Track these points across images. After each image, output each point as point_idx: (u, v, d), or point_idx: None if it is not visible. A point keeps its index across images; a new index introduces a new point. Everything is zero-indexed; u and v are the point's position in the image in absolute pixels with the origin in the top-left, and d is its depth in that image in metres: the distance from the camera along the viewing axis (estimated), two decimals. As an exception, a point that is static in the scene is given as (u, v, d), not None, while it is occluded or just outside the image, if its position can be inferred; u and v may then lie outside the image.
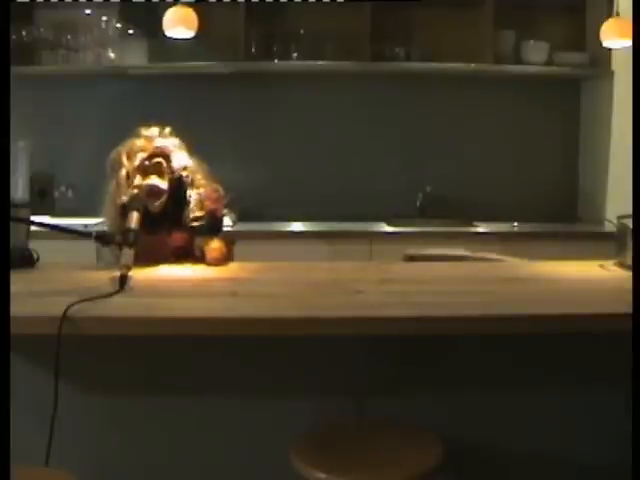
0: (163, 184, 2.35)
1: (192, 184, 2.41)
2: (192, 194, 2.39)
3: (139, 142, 2.40)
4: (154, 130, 2.44)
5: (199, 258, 2.36)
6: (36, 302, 1.83)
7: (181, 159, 2.40)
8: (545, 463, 2.03)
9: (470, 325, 1.75)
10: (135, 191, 2.32)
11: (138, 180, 2.34)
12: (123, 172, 2.36)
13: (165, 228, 2.37)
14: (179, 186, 2.38)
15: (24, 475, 1.57)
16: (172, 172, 2.38)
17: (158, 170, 2.36)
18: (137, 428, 2.00)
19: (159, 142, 2.40)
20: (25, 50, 4.04)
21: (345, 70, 4.28)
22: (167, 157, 2.38)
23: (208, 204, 2.39)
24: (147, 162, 2.36)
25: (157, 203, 2.34)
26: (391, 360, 2.00)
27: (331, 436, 1.84)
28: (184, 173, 2.39)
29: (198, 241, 2.37)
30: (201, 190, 2.40)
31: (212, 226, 2.39)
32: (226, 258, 2.37)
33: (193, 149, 2.46)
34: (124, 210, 2.28)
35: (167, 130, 2.45)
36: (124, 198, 2.31)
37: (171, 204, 2.37)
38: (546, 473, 2.04)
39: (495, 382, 2.02)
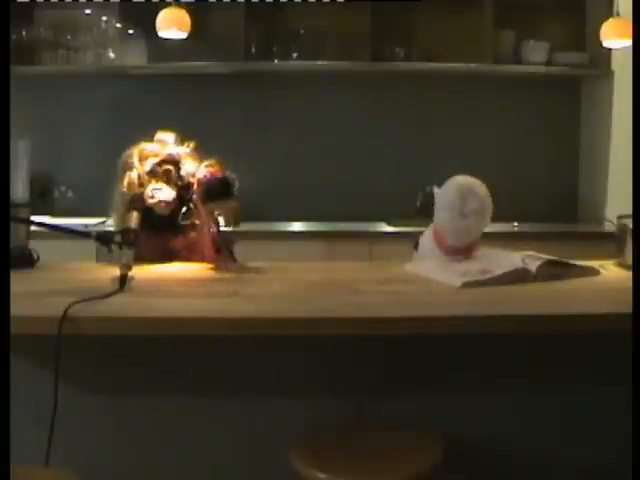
0: (172, 194, 2.38)
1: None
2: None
3: (151, 146, 2.44)
4: (170, 136, 2.47)
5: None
6: (36, 302, 1.83)
7: (190, 167, 2.43)
8: (545, 463, 2.03)
9: (470, 325, 1.75)
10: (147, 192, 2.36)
11: (151, 185, 2.38)
12: (135, 174, 2.40)
13: (170, 229, 2.41)
14: (186, 193, 2.42)
15: (24, 475, 1.57)
16: (180, 179, 2.41)
17: (167, 177, 2.40)
18: (137, 428, 2.00)
19: (171, 149, 2.44)
20: (25, 50, 4.02)
21: (345, 70, 4.26)
22: (176, 164, 2.42)
23: (211, 171, 2.40)
24: (158, 168, 2.40)
25: (165, 207, 2.38)
26: (391, 360, 2.00)
27: (331, 436, 1.84)
28: (192, 180, 2.41)
29: (211, 206, 2.36)
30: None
31: (224, 188, 2.35)
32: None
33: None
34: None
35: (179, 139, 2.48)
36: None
37: (177, 209, 2.42)
38: (546, 473, 2.04)
39: (495, 382, 2.02)
